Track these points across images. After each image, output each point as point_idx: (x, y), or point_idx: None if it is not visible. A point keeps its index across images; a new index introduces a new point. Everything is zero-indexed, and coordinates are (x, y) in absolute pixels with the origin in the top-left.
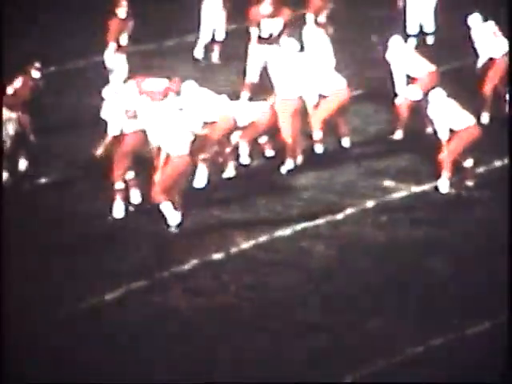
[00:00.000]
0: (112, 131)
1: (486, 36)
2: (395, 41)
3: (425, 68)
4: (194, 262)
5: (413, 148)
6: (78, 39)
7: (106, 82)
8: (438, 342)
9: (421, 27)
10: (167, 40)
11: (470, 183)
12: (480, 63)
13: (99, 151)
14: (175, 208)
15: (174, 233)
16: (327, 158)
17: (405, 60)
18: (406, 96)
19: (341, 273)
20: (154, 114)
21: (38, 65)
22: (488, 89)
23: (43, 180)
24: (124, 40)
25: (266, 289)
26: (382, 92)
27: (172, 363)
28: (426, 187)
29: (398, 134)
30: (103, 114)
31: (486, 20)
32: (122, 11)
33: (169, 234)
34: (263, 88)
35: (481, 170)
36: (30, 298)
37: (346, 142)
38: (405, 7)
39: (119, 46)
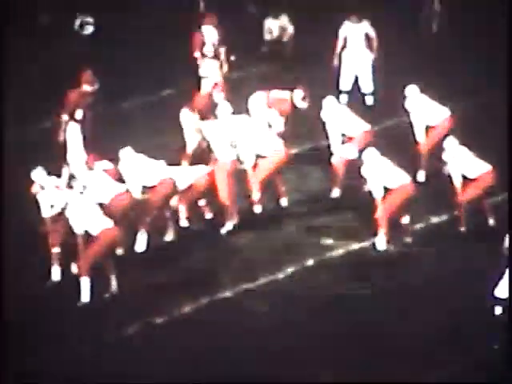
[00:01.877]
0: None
1: (422, 106)
2: (329, 101)
3: (360, 127)
4: (136, 325)
5: (350, 206)
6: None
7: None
8: None
9: (359, 88)
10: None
11: (407, 240)
12: (418, 134)
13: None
14: (108, 274)
15: (115, 297)
16: (266, 217)
17: (340, 119)
18: (341, 154)
19: (285, 332)
20: (70, 202)
21: None
22: (424, 148)
23: None
24: (79, 114)
25: (209, 352)
26: (318, 151)
27: None
28: (365, 244)
29: (336, 193)
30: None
31: (421, 91)
32: (88, 88)
33: (110, 298)
34: (203, 156)
35: (418, 226)
36: None
37: (284, 202)
38: (340, 65)
39: (73, 119)
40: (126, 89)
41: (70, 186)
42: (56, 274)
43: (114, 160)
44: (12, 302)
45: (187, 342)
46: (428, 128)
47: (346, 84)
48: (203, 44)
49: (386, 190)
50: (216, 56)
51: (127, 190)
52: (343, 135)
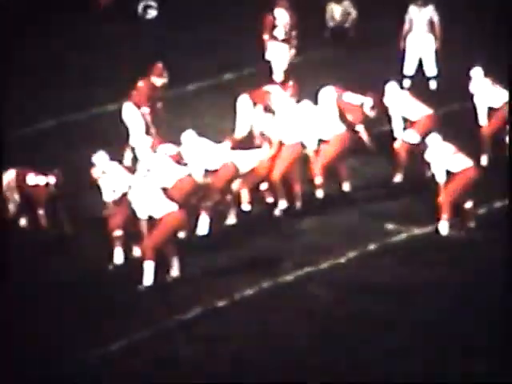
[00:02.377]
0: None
1: (485, 88)
2: (392, 86)
3: (422, 111)
4: (198, 309)
5: (413, 191)
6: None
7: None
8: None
9: (423, 72)
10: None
11: (470, 225)
12: (481, 117)
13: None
14: (171, 257)
15: (177, 280)
16: (328, 202)
17: (402, 104)
18: (404, 139)
19: (345, 317)
20: (134, 186)
21: (56, 171)
22: (487, 132)
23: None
24: (146, 102)
25: (270, 335)
26: (381, 136)
27: None
28: (428, 229)
29: (398, 178)
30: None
31: (485, 74)
32: (158, 81)
33: (172, 282)
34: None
35: (481, 211)
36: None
37: (346, 187)
38: (404, 49)
39: (140, 106)
40: (189, 72)
41: (132, 170)
42: (119, 256)
43: (177, 143)
44: (73, 284)
45: (249, 326)
46: (490, 111)
47: (409, 68)
48: (274, 27)
49: (449, 174)
50: (286, 39)
51: (190, 174)
52: (405, 120)
